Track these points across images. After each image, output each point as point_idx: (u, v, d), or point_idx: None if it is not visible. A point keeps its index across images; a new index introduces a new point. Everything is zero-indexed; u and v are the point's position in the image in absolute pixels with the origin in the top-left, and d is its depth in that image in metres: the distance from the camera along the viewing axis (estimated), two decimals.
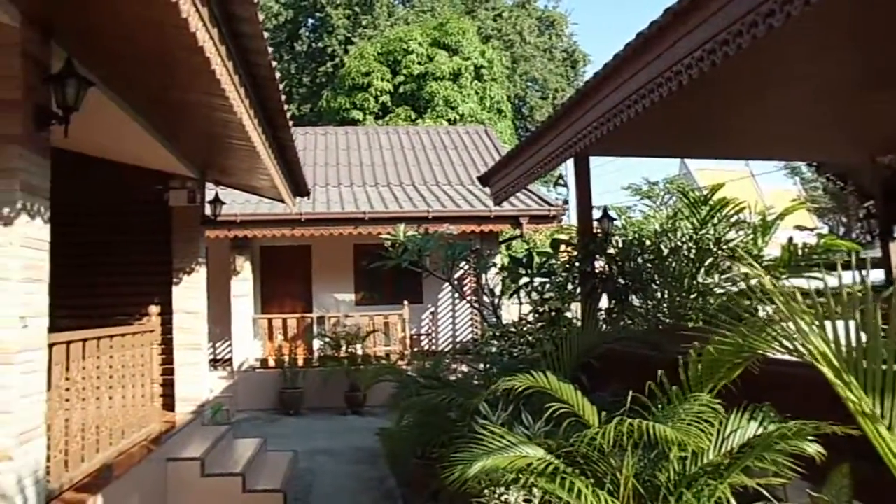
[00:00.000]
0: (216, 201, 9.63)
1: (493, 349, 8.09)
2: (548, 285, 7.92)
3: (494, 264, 9.48)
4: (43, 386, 4.48)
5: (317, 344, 15.21)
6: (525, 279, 8.08)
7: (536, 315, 7.86)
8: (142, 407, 7.14)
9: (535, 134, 7.48)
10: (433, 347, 16.33)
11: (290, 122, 6.85)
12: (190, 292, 8.83)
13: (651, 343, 5.66)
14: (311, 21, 35.73)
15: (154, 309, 7.81)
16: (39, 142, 4.37)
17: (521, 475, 3.21)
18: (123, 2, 4.10)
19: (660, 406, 3.35)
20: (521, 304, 8.31)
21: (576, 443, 3.16)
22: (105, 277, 8.30)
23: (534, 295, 8.00)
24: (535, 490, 3.90)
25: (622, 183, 57.16)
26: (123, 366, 6.64)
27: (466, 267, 9.55)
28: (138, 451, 6.70)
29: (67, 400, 5.30)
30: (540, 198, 15.66)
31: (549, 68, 36.31)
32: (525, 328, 7.97)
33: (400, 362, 13.46)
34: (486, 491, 4.05)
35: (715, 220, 7.20)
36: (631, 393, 3.42)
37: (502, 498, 4.14)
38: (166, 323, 8.37)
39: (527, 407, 4.16)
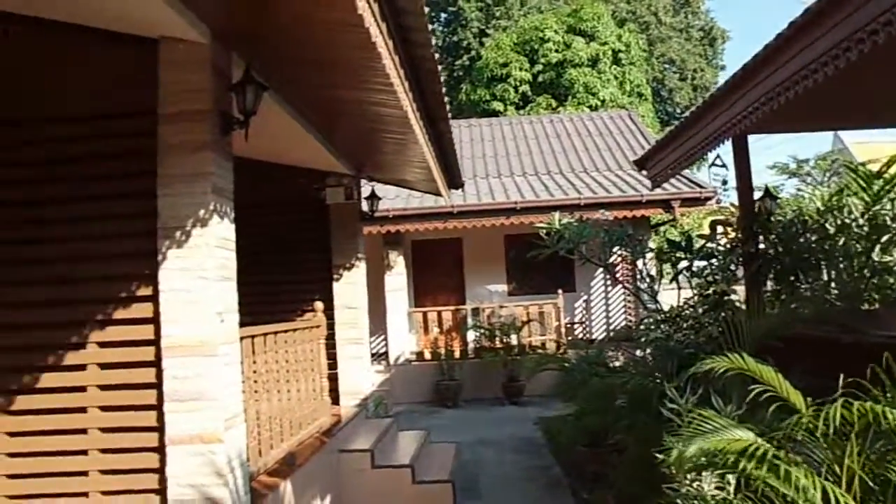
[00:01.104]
0: (373, 197, 9.81)
1: (658, 334, 7.87)
2: (708, 269, 7.66)
3: (651, 249, 9.24)
4: (239, 376, 4.73)
5: (471, 335, 15.24)
6: (684, 263, 7.84)
7: (702, 298, 7.61)
8: (313, 400, 7.35)
9: (696, 114, 7.19)
10: (587, 336, 16.17)
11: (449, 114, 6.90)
12: (350, 288, 9.02)
13: (842, 325, 5.33)
14: (443, 16, 36.03)
15: (319, 305, 8.01)
16: (225, 146, 4.60)
17: (730, 458, 3.04)
18: (301, 6, 4.21)
19: (886, 392, 3.02)
20: (679, 288, 8.06)
21: (788, 427, 2.99)
22: (267, 276, 8.47)
23: (695, 279, 7.76)
24: (729, 476, 3.75)
25: (766, 163, 54.78)
26: (297, 360, 6.86)
27: (620, 252, 9.32)
28: (313, 443, 6.92)
29: (256, 391, 5.56)
30: (691, 180, 15.13)
31: (687, 48, 35.32)
32: (688, 312, 7.74)
33: (559, 351, 13.36)
34: (678, 478, 3.92)
35: (892, 195, 6.74)
36: (841, 377, 3.17)
37: (693, 485, 4.01)
38: (328, 318, 8.58)
39: (716, 391, 4.01)
